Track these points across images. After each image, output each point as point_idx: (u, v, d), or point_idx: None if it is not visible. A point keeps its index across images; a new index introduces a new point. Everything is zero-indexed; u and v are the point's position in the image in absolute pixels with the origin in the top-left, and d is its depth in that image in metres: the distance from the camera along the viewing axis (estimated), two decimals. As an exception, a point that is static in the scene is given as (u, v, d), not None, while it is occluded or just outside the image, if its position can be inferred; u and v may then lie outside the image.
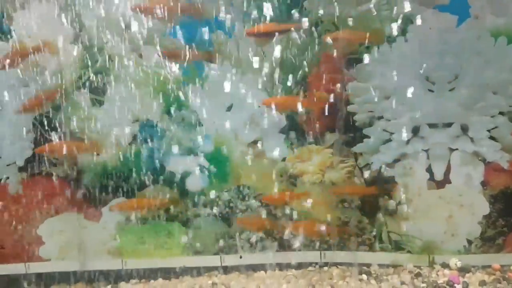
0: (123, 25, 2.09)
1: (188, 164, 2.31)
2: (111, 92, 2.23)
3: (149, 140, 2.30)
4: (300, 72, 2.18)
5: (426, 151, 2.16)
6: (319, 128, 2.21)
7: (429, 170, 2.16)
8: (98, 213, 2.37)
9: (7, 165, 2.33)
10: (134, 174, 2.27)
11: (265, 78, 2.14)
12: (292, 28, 2.02)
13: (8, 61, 2.10)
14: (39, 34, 2.17)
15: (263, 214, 2.27)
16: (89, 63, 2.20)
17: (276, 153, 2.26)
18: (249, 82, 2.24)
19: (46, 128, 2.23)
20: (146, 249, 2.31)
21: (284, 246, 2.23)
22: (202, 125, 2.31)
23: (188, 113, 2.32)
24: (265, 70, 2.12)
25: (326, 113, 2.09)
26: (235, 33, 2.23)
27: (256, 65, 2.11)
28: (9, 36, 2.19)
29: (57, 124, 2.21)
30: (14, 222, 2.35)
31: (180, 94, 2.26)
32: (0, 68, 2.10)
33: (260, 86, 2.18)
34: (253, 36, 2.08)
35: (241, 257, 2.24)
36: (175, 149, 2.29)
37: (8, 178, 2.34)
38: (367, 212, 2.23)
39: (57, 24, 2.17)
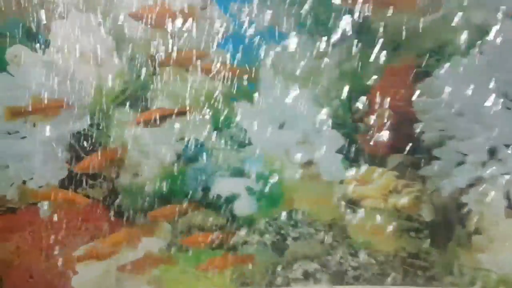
0: (169, 37, 1.91)
1: (236, 186, 2.11)
2: (154, 108, 2.05)
3: (194, 159, 2.11)
4: (361, 86, 1.98)
5: (504, 175, 1.94)
6: (382, 148, 2.00)
7: (507, 196, 1.93)
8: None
9: (39, 187, 2.14)
10: (176, 197, 2.09)
11: (321, 93, 1.95)
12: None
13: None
14: (77, 45, 2.00)
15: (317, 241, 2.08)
16: (132, 77, 2.03)
17: (333, 175, 2.05)
18: (304, 97, 2.04)
19: (83, 146, 2.05)
20: (188, 279, 2.11)
21: (342, 278, 2.02)
22: (251, 144, 2.12)
23: (237, 131, 2.13)
24: (322, 84, 1.93)
25: (390, 132, 1.91)
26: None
27: (312, 78, 1.92)
28: (45, 48, 2.03)
29: (95, 143, 2.04)
30: (45, 250, 2.17)
31: (229, 110, 2.07)
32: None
33: (315, 101, 1.99)
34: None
35: (294, 291, 2.04)
36: (222, 169, 2.10)
37: (39, 201, 2.16)
38: (436, 242, 2.01)
39: (97, 35, 2.00)
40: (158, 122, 1.83)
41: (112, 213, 2.12)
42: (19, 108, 1.90)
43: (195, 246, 1.99)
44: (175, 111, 1.93)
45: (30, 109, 1.87)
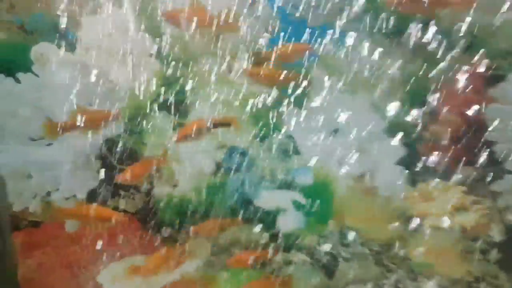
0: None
1: (281, 200, 1.91)
2: (194, 113, 1.85)
3: (235, 169, 1.92)
4: (425, 91, 1.78)
5: None
6: (448, 160, 1.79)
7: None
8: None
9: (66, 199, 1.95)
10: (216, 210, 1.89)
11: (380, 97, 1.75)
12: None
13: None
14: (111, 44, 1.81)
15: (372, 263, 1.88)
16: (170, 79, 1.83)
17: (391, 189, 1.85)
18: (360, 102, 1.84)
19: (116, 154, 1.86)
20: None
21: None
22: (299, 154, 1.92)
23: (284, 138, 1.93)
24: (381, 88, 1.73)
25: (458, 142, 1.70)
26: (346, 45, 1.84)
27: (369, 82, 1.72)
28: (74, 46, 1.84)
29: (128, 150, 1.85)
30: (70, 267, 1.98)
31: (275, 116, 1.87)
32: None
33: (372, 107, 1.79)
34: None
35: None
36: (266, 181, 1.91)
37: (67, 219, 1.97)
38: (506, 265, 1.80)
39: (133, 32, 1.81)
40: (200, 134, 1.64)
41: (145, 227, 1.93)
42: (59, 124, 1.70)
43: (241, 266, 1.80)
44: (217, 121, 1.74)
45: (75, 122, 1.65)
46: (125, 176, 1.66)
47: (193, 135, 1.67)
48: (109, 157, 1.89)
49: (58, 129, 1.67)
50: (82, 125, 1.63)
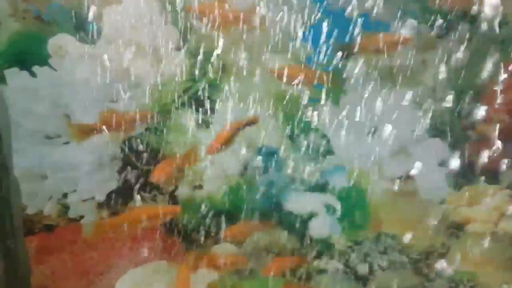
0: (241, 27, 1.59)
1: (313, 203, 1.79)
2: (221, 111, 1.73)
3: (264, 170, 1.80)
4: (471, 87, 1.66)
5: None
6: (495, 162, 1.67)
7: None
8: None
9: (83, 201, 1.84)
10: (243, 213, 1.77)
11: (423, 94, 1.63)
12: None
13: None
14: (134, 36, 1.69)
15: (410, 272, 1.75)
16: (196, 74, 1.71)
17: (433, 193, 1.72)
18: (400, 98, 1.71)
19: (137, 154, 1.74)
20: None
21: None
22: (333, 154, 1.80)
23: (316, 138, 1.81)
24: (425, 83, 1.61)
25: (507, 142, 1.58)
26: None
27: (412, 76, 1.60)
28: (95, 38, 1.73)
29: (151, 149, 1.73)
30: (85, 274, 1.85)
31: (308, 114, 1.75)
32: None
33: (415, 104, 1.67)
34: None
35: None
36: (297, 183, 1.78)
37: (83, 217, 1.85)
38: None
39: (158, 25, 1.69)
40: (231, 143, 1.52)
41: (168, 230, 1.81)
42: (89, 125, 1.58)
43: (277, 274, 1.67)
44: (241, 124, 1.62)
45: (103, 125, 1.53)
46: (158, 175, 1.52)
47: (224, 147, 1.54)
48: (131, 157, 1.76)
49: (85, 132, 1.55)
50: (110, 127, 1.51)
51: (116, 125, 1.48)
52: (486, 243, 1.70)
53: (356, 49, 1.43)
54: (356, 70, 1.66)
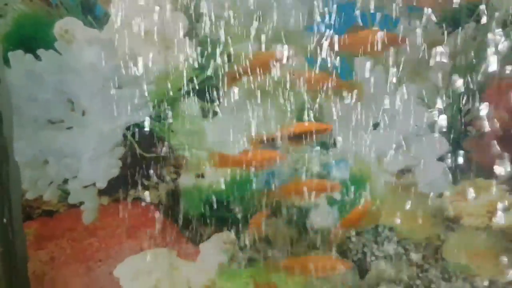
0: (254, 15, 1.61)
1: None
2: (228, 101, 1.74)
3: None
4: (473, 85, 1.70)
5: None
6: (492, 157, 1.72)
7: None
8: (195, 251, 1.86)
9: (84, 187, 1.82)
10: (244, 203, 1.79)
11: (427, 89, 1.67)
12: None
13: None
14: (143, 22, 1.69)
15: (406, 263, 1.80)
16: (204, 63, 1.71)
17: (432, 186, 1.77)
18: (405, 92, 1.75)
19: (141, 141, 1.74)
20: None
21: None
22: (335, 146, 1.83)
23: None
24: (430, 78, 1.65)
25: (505, 138, 1.63)
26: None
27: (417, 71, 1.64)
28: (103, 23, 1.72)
29: (155, 138, 1.73)
30: (85, 261, 1.85)
31: (312, 105, 1.78)
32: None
33: (418, 99, 1.71)
34: None
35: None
36: (299, 174, 1.81)
37: (83, 203, 1.84)
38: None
39: (167, 10, 1.70)
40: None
41: (168, 218, 1.81)
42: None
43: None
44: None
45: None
46: None
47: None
48: (134, 144, 1.76)
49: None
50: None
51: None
52: (481, 236, 1.75)
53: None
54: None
